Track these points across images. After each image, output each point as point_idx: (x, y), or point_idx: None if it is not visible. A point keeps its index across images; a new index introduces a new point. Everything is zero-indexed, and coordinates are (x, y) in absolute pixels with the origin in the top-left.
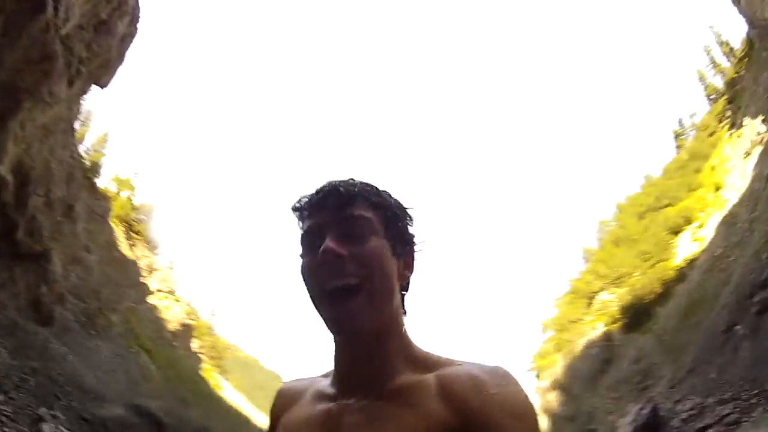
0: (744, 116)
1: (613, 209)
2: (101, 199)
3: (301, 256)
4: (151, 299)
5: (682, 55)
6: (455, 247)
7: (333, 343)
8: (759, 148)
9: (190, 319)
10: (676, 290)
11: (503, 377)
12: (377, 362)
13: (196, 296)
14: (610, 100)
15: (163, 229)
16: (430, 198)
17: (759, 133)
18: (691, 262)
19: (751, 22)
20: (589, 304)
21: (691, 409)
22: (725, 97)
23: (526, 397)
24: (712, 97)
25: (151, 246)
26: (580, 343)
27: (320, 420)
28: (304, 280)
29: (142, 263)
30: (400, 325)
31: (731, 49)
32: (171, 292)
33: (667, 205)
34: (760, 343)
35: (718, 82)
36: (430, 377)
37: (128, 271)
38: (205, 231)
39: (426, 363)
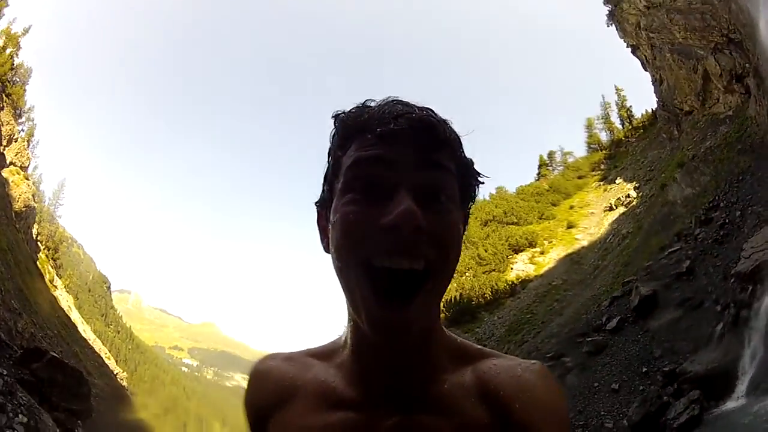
0: (618, 176)
1: None
2: None
3: (342, 197)
4: (4, 172)
5: (578, 94)
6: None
7: (355, 331)
8: (622, 209)
9: (35, 201)
10: (506, 303)
11: (543, 376)
12: (422, 364)
13: (46, 178)
14: (493, 103)
15: (35, 98)
16: None
17: (629, 197)
18: (524, 282)
19: (663, 105)
20: None
21: None
22: (606, 151)
23: (563, 397)
24: (593, 146)
25: (16, 114)
26: None
27: None
28: (338, 234)
29: (4, 130)
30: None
31: (630, 114)
32: (23, 168)
33: (513, 223)
34: (587, 380)
35: (603, 136)
36: (468, 375)
37: None
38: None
39: (462, 353)
